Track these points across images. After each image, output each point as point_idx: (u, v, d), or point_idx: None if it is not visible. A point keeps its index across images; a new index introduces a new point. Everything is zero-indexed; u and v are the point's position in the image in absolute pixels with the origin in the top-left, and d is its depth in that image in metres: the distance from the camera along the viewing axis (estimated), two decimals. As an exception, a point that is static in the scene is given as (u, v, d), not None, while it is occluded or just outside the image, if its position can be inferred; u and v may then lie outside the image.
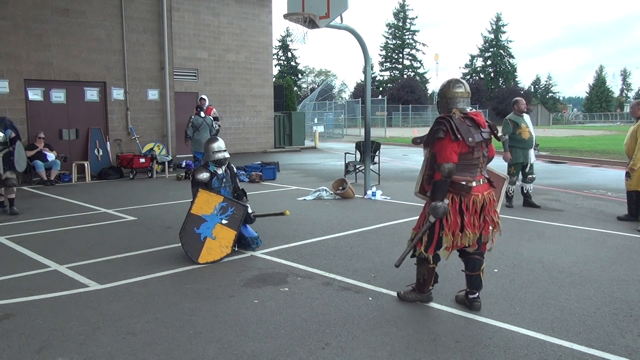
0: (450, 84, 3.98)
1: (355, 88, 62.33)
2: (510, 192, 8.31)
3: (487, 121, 4.02)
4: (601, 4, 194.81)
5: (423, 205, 4.15)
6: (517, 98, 8.55)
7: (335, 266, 5.22)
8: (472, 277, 4.04)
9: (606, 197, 9.46)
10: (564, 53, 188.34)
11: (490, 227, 4.02)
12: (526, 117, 8.33)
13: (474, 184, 3.87)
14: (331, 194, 9.47)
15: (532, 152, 8.32)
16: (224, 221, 5.45)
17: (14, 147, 7.94)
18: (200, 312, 4.05)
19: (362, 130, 12.83)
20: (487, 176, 4.05)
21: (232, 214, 5.49)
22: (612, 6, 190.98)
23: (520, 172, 8.39)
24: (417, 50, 72.18)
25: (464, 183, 3.85)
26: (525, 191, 8.41)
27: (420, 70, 72.55)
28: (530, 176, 8.37)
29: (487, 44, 72.36)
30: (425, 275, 4.07)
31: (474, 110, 4.00)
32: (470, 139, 3.79)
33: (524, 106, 8.30)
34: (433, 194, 3.85)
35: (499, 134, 7.98)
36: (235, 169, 6.28)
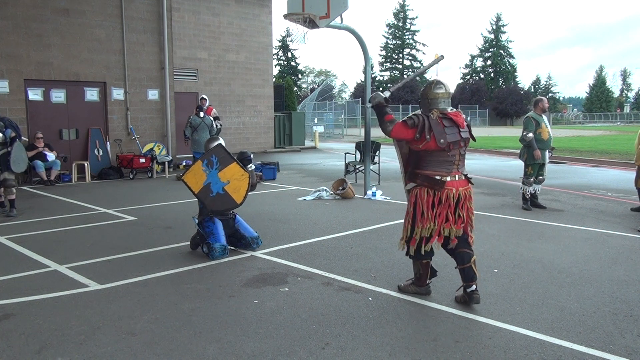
0: (432, 85, 4.17)
1: (355, 88, 62.31)
2: (527, 193, 8.15)
3: (466, 121, 4.16)
4: (602, 5, 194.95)
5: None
6: (540, 97, 8.46)
7: (335, 266, 5.22)
8: (465, 269, 4.11)
9: (606, 198, 9.46)
10: (565, 53, 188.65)
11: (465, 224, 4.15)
12: (544, 117, 8.25)
13: (448, 178, 4.06)
14: (331, 194, 9.47)
15: (547, 153, 8.25)
16: (220, 166, 5.60)
17: (12, 147, 7.84)
18: (200, 312, 4.05)
19: (362, 130, 12.85)
20: (465, 173, 4.19)
21: (217, 159, 5.62)
22: (613, 8, 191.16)
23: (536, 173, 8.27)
24: (417, 50, 72.18)
25: (438, 177, 4.05)
26: (533, 191, 8.28)
27: (420, 71, 72.54)
28: (540, 177, 8.28)
29: (487, 44, 72.35)
30: (421, 270, 4.29)
31: (454, 110, 4.15)
32: (442, 140, 3.99)
33: (546, 105, 8.23)
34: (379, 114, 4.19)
35: (523, 133, 8.02)
36: None
